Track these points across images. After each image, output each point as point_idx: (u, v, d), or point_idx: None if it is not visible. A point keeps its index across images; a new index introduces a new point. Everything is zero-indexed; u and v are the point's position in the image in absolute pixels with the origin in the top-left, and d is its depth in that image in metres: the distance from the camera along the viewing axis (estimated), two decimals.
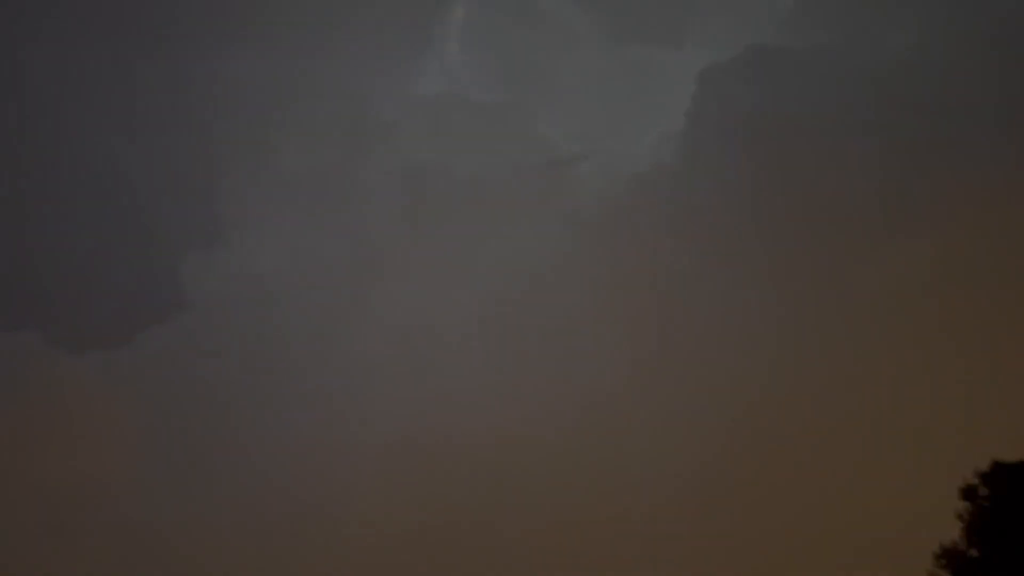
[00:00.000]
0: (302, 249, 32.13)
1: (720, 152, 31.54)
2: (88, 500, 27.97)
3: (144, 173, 33.93)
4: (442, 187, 31.96)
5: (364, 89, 32.36)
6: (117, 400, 30.59)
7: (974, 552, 12.51)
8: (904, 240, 29.83)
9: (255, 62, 32.02)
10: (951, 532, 12.67)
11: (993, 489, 12.59)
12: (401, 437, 27.98)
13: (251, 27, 32.01)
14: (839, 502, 26.26)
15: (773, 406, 28.79)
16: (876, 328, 29.23)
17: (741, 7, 33.77)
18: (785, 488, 27.14)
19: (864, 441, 27.26)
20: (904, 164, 30.89)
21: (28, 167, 33.93)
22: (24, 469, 28.25)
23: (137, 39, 32.49)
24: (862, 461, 26.87)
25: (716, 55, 31.67)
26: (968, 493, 12.82)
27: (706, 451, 28.34)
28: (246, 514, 27.06)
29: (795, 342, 29.60)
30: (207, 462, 28.56)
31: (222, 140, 32.88)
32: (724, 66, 31.90)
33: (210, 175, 32.90)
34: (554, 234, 31.47)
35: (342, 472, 27.59)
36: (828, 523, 25.90)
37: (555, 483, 27.45)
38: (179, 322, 32.49)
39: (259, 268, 32.67)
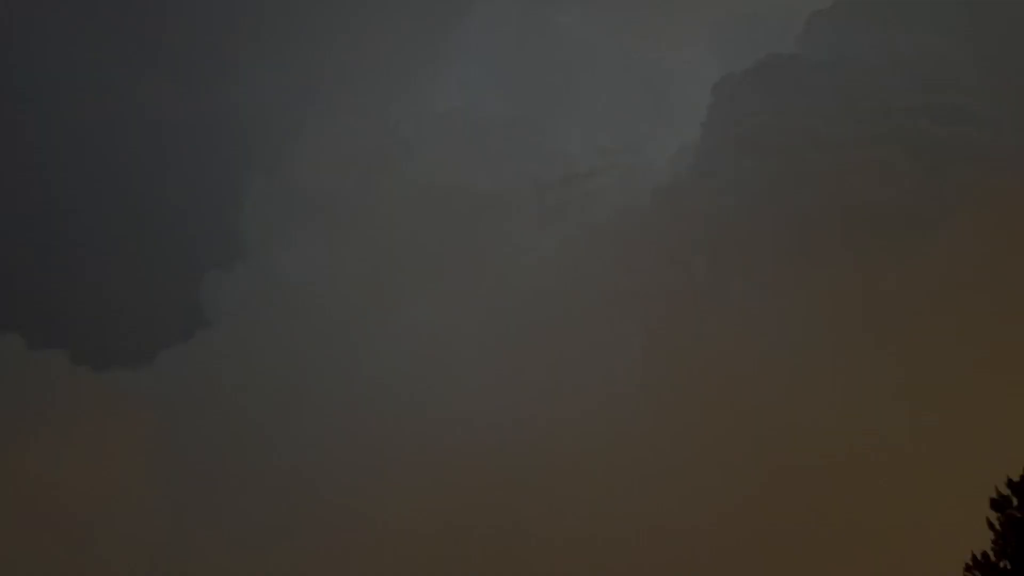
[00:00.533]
0: (323, 266, 32.32)
1: (737, 162, 31.57)
2: (110, 515, 28.15)
3: (166, 192, 34.20)
4: (461, 203, 32.11)
5: (383, 106, 32.59)
6: (139, 416, 30.78)
7: (1005, 564, 12.38)
8: (924, 247, 29.76)
9: (276, 81, 32.35)
10: (982, 543, 12.55)
11: None
12: (422, 449, 28.08)
13: (272, 48, 32.35)
14: (868, 509, 26.16)
15: (794, 414, 28.71)
16: (898, 335, 29.12)
17: (755, 18, 33.89)
18: (811, 494, 27.06)
19: (892, 448, 27.14)
20: (923, 171, 30.85)
21: (53, 190, 34.24)
22: (46, 484, 28.46)
23: (161, 61, 32.79)
24: (890, 468, 26.75)
25: (731, 66, 31.81)
26: (998, 503, 12.68)
27: (726, 461, 28.27)
28: (267, 529, 27.18)
29: (816, 350, 29.53)
30: (228, 477, 28.73)
31: (244, 159, 33.19)
32: (739, 77, 31.97)
33: (232, 193, 33.17)
34: (574, 248, 31.54)
35: (364, 484, 27.70)
36: (856, 531, 25.78)
37: (574, 493, 27.47)
38: (200, 339, 32.74)
39: (280, 285, 32.88)
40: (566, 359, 30.37)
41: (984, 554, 12.62)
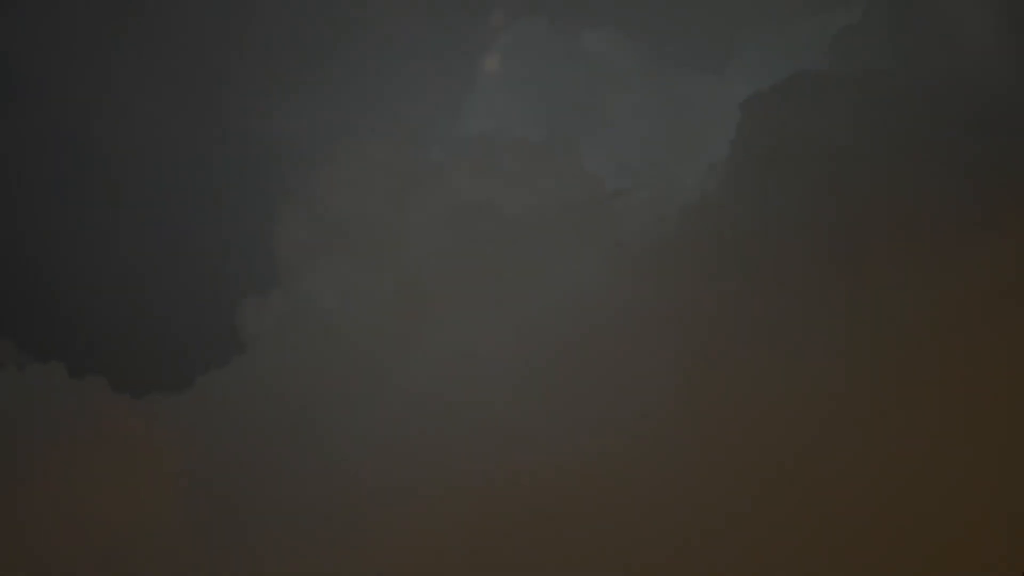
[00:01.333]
0: (355, 290, 32.65)
1: (767, 179, 31.45)
2: (146, 539, 28.57)
3: (201, 221, 34.77)
4: (490, 226, 32.30)
5: (411, 131, 32.96)
6: (176, 441, 31.20)
7: None
8: (962, 258, 29.36)
9: (304, 107, 32.87)
10: None
11: None
12: (453, 472, 28.20)
13: (298, 75, 32.93)
14: (917, 539, 25.80)
15: (834, 432, 28.39)
16: (939, 350, 28.74)
17: (784, 34, 33.86)
18: (855, 519, 26.73)
19: (941, 471, 26.76)
20: (958, 182, 30.51)
21: (89, 221, 34.95)
22: (86, 509, 28.94)
23: (194, 91, 33.44)
24: (939, 494, 26.36)
25: (760, 83, 31.71)
26: None
27: (764, 484, 28.01)
28: (299, 554, 27.44)
29: (852, 370, 29.20)
30: (262, 500, 29.04)
31: (275, 184, 33.71)
32: (768, 93, 31.88)
33: (265, 220, 33.66)
34: (604, 268, 31.58)
35: (395, 508, 27.86)
36: (908, 563, 25.44)
37: (605, 520, 27.40)
38: (237, 365, 33.19)
39: (313, 310, 33.27)
40: (599, 379, 30.37)
41: None
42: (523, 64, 35.56)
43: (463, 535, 26.63)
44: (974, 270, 28.83)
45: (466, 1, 32.60)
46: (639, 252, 31.12)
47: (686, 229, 31.33)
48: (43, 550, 28.47)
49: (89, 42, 33.87)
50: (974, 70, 31.47)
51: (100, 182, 35.36)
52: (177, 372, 33.97)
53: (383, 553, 26.89)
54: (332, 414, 30.63)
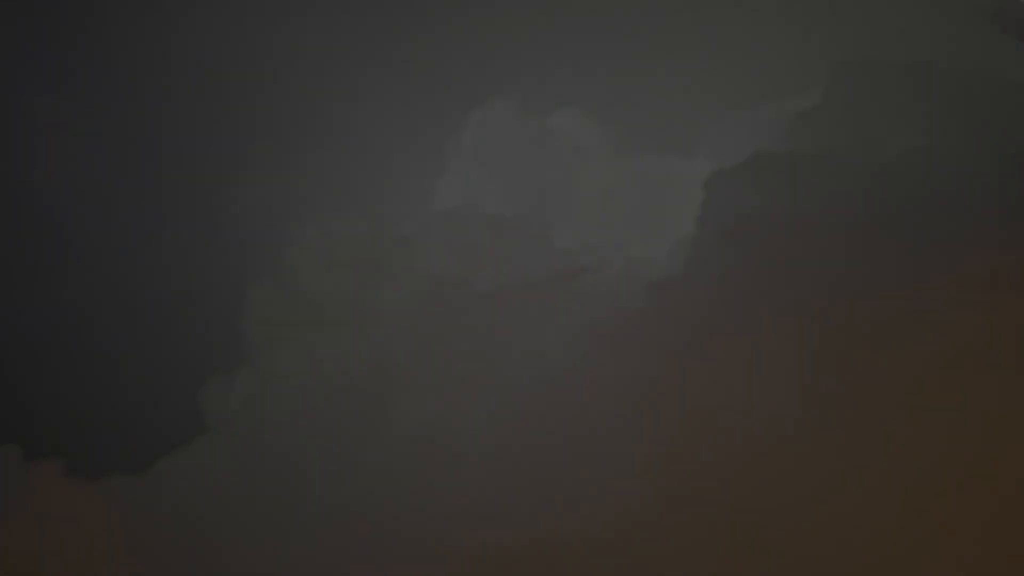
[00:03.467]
0: (325, 368, 32.47)
1: (732, 256, 31.91)
2: None
3: (167, 298, 34.50)
4: (461, 302, 32.43)
5: (381, 207, 33.21)
6: (135, 526, 30.48)
7: None
8: (929, 337, 29.93)
9: (273, 183, 32.95)
10: None
11: None
12: (421, 550, 27.77)
13: (268, 149, 33.06)
14: None
15: (797, 502, 28.49)
16: (898, 425, 29.08)
17: (746, 116, 34.81)
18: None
19: (899, 539, 26.95)
20: (916, 257, 31.19)
21: (51, 300, 34.53)
22: None
23: (160, 166, 33.45)
24: (902, 561, 26.56)
25: (723, 162, 32.39)
26: None
27: (740, 557, 28.00)
28: None
29: (822, 448, 29.46)
30: None
31: (243, 262, 33.61)
32: (730, 172, 32.49)
33: (234, 298, 33.50)
34: (573, 344, 31.72)
35: None
36: None
37: None
38: (200, 445, 32.64)
39: (280, 388, 32.89)
40: (570, 455, 30.31)
41: None
42: (493, 143, 36.19)
43: None
44: (940, 346, 29.37)
45: (436, 80, 33.15)
46: (608, 328, 31.35)
47: (653, 305, 31.63)
48: None
49: (44, 119, 33.83)
50: (932, 151, 32.47)
51: (60, 260, 35.06)
52: (137, 455, 33.34)
53: None
54: (301, 494, 30.13)
